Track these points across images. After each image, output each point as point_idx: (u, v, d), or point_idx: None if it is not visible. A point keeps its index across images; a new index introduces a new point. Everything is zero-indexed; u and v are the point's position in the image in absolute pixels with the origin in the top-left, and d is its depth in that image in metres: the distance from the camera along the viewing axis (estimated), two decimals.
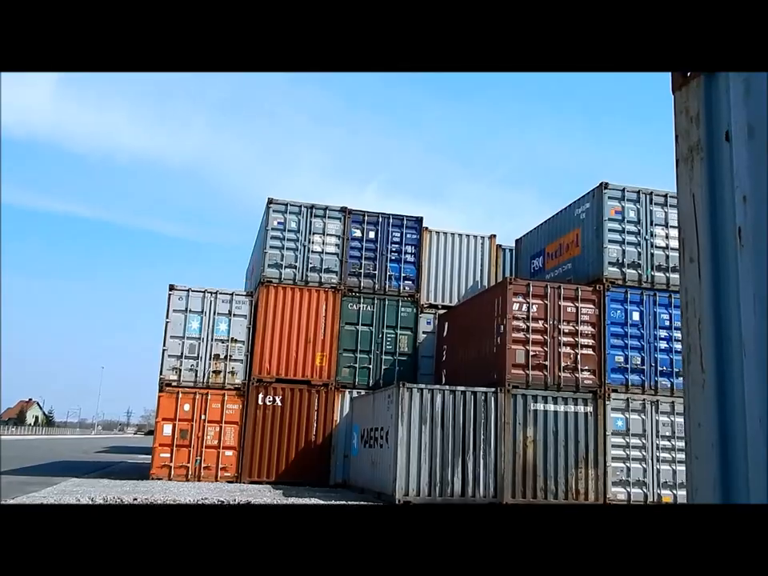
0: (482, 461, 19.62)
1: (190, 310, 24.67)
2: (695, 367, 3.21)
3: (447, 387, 20.15)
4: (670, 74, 3.28)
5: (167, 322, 24.54)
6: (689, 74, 3.23)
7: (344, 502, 10.83)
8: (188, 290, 24.90)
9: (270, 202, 25.97)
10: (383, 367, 25.60)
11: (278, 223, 25.85)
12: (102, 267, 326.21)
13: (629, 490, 20.91)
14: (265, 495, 19.27)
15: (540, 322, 21.05)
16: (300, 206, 26.10)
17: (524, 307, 20.97)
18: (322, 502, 10.91)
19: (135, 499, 16.76)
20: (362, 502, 10.64)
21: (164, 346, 24.40)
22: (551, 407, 20.61)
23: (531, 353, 20.83)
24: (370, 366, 25.54)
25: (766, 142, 2.75)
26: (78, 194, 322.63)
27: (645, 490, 21.02)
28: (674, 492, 21.17)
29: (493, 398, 20.01)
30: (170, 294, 24.77)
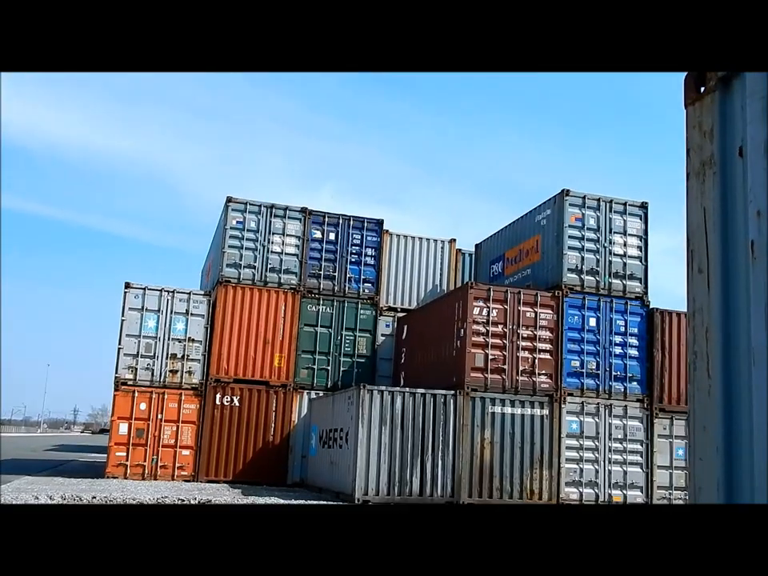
0: (440, 461, 19.80)
1: (146, 309, 24.40)
2: (701, 374, 3.29)
3: (407, 389, 20.29)
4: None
5: (122, 320, 24.23)
6: (702, 89, 3.34)
7: (340, 503, 10.92)
8: (144, 289, 24.62)
9: (229, 200, 25.77)
10: (342, 369, 25.63)
11: (237, 222, 25.68)
12: (48, 265, 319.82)
13: (581, 490, 21.29)
14: (224, 494, 19.21)
15: (499, 326, 21.30)
16: (260, 206, 25.95)
17: (484, 311, 21.20)
18: (315, 502, 10.99)
19: (94, 497, 16.62)
20: (366, 504, 10.76)
21: (119, 344, 24.11)
22: (508, 410, 20.87)
23: (490, 356, 21.06)
24: (329, 368, 25.56)
25: None
26: (22, 189, 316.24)
27: (596, 491, 21.42)
28: (624, 492, 21.63)
29: (452, 401, 20.20)
30: (125, 292, 24.42)
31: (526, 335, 21.54)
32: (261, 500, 17.94)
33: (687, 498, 21.64)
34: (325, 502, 10.72)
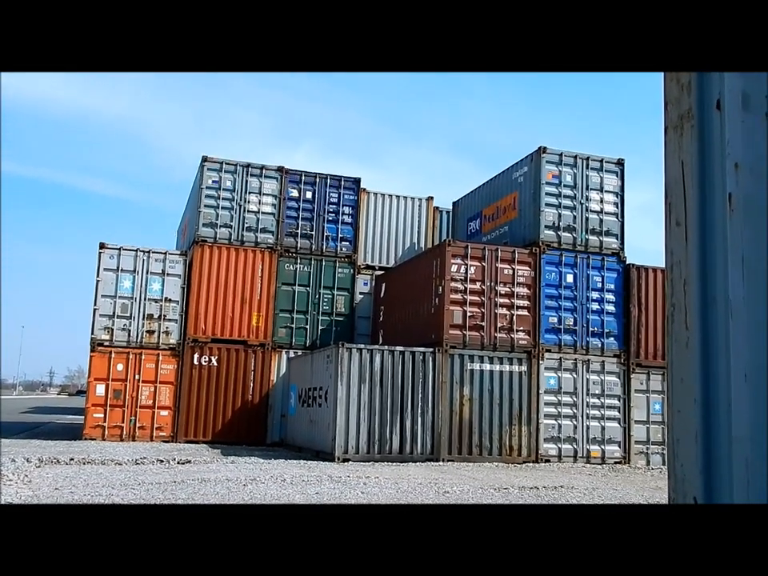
0: (419, 419, 19.94)
1: (121, 269, 24.29)
2: (679, 326, 3.29)
3: (386, 347, 20.35)
4: None
5: (98, 281, 24.08)
6: None
7: (343, 503, 10.96)
8: (119, 249, 24.48)
9: (205, 159, 25.56)
10: (320, 328, 25.67)
11: (213, 182, 25.51)
12: (22, 222, 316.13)
13: (560, 446, 21.52)
14: (203, 454, 19.28)
15: (477, 283, 21.35)
16: (236, 165, 25.78)
17: (462, 269, 21.23)
18: (322, 503, 11.06)
19: (72, 459, 16.61)
20: (361, 503, 10.80)
21: (95, 305, 23.98)
22: (487, 367, 21.01)
23: (468, 314, 21.14)
24: (307, 327, 25.58)
25: (760, 111, 2.87)
26: None
27: (575, 446, 21.67)
28: (602, 447, 21.88)
29: (431, 358, 20.29)
30: (100, 253, 24.27)
31: (503, 292, 21.62)
32: (241, 459, 18.01)
33: (665, 451, 22.00)
34: (323, 503, 10.78)
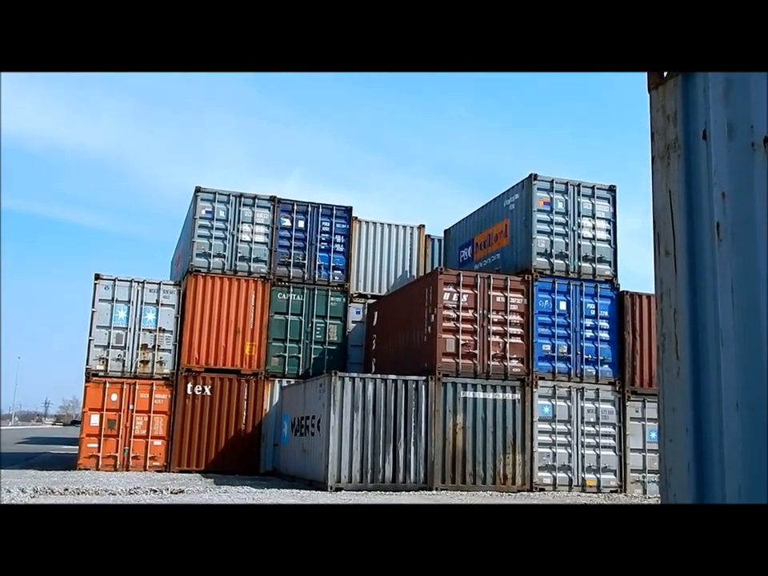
0: (412, 448, 19.84)
1: (116, 300, 24.33)
2: (670, 355, 3.30)
3: (379, 376, 20.30)
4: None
5: (93, 311, 24.13)
6: (665, 73, 3.35)
7: (340, 503, 10.87)
8: (114, 280, 24.55)
9: (198, 190, 25.70)
10: (313, 356, 25.65)
11: (206, 212, 25.61)
12: (15, 257, 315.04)
13: (554, 474, 21.39)
14: (196, 484, 19.14)
15: (470, 311, 21.35)
16: (228, 195, 25.91)
17: (454, 297, 21.24)
18: (321, 502, 10.98)
19: (66, 489, 16.48)
20: (359, 503, 10.72)
21: (90, 335, 24.02)
22: (480, 395, 20.94)
23: (461, 341, 21.12)
24: (300, 356, 25.56)
25: (746, 140, 2.89)
26: None
27: (570, 475, 21.52)
28: (598, 476, 21.72)
29: (423, 386, 20.24)
30: (95, 284, 24.34)
31: (496, 320, 21.61)
32: (233, 489, 17.88)
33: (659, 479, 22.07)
34: (323, 502, 10.73)
